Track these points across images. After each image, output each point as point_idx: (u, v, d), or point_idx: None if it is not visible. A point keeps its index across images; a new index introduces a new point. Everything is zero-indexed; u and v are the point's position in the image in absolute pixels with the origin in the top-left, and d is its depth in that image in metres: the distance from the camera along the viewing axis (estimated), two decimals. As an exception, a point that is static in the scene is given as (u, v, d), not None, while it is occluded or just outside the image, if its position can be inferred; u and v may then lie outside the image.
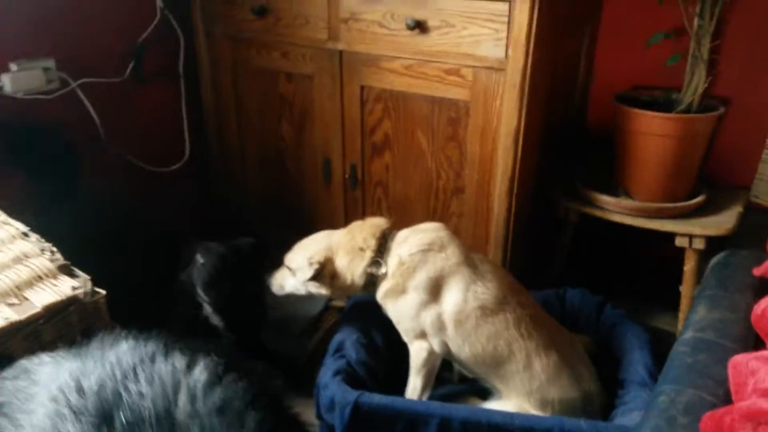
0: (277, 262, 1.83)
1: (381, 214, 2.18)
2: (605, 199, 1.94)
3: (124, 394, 0.81)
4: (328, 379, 1.64)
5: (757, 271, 1.67)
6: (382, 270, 1.66)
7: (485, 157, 1.89)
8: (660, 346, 1.77)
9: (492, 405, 1.68)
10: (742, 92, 1.96)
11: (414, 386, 1.71)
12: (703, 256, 1.91)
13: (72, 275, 1.48)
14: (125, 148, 2.18)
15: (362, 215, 2.21)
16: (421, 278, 1.62)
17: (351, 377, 1.69)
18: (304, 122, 2.24)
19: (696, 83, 1.86)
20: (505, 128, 1.81)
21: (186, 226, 2.52)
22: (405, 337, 1.71)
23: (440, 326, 1.63)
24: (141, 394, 0.82)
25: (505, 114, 1.80)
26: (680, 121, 1.84)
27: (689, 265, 1.91)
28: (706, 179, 2.04)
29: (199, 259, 1.92)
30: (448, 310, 1.61)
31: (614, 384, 1.71)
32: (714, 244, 1.88)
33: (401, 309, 1.66)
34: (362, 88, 2.04)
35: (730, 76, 1.93)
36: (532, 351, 1.60)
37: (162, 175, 2.24)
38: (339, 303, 2.30)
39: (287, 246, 1.80)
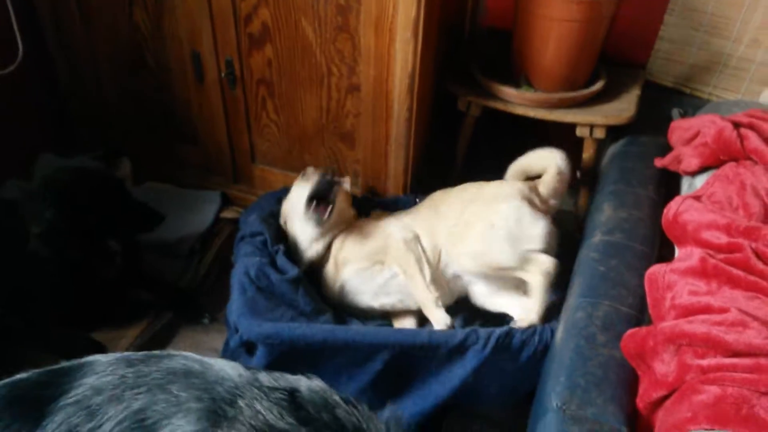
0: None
1: (268, 116, 1.95)
2: (507, 90, 1.84)
3: None
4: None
5: (659, 162, 1.68)
6: None
7: (381, 51, 1.69)
8: (560, 226, 1.77)
9: None
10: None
11: None
12: (602, 143, 1.90)
13: None
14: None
15: (246, 118, 1.97)
16: None
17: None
18: (161, 8, 1.87)
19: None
20: (403, 18, 1.61)
21: (30, 142, 2.12)
22: None
23: None
24: None
25: (402, 2, 1.58)
26: (585, 3, 1.71)
27: (587, 153, 1.90)
28: (602, 57, 1.97)
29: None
30: None
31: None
32: (613, 129, 1.86)
33: None
34: (230, -34, 1.71)
35: (633, -52, 1.81)
36: None
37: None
38: (229, 214, 2.11)
39: (159, 158, 1.48)
